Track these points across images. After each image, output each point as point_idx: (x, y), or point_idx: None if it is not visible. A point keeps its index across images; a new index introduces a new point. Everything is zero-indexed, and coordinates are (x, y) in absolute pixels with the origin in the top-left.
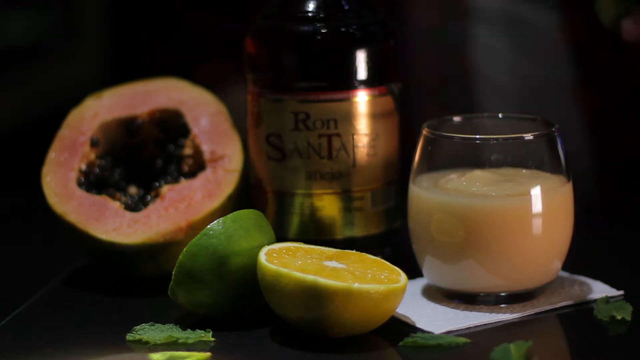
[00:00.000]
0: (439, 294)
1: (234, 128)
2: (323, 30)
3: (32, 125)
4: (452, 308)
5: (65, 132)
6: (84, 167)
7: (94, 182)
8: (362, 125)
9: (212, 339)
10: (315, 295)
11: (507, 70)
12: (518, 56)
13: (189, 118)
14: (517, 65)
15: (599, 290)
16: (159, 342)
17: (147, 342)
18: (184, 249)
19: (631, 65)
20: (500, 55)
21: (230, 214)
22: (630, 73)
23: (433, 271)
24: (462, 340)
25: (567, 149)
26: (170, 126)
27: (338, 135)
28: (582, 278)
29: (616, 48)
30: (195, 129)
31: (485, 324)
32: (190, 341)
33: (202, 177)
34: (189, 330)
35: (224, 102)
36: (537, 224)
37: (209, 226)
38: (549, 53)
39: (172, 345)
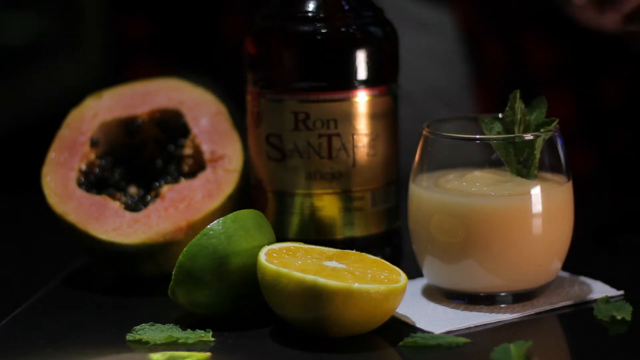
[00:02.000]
0: (439, 294)
1: (234, 128)
2: (323, 30)
3: (32, 125)
4: (452, 308)
5: (65, 132)
6: (84, 167)
7: (94, 182)
8: (362, 125)
9: (212, 339)
10: (315, 295)
11: (408, 73)
12: (418, 58)
13: (189, 118)
14: (417, 69)
15: (599, 290)
16: (159, 342)
17: (147, 342)
18: (184, 249)
19: (525, 63)
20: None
21: (230, 214)
22: (524, 71)
23: (433, 271)
24: (462, 340)
25: None
26: (170, 126)
27: (338, 135)
28: (582, 278)
29: (511, 46)
30: (195, 129)
31: (485, 324)
32: (190, 341)
33: (202, 177)
34: (189, 330)
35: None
36: (537, 224)
37: (209, 226)
38: (447, 55)
39: (172, 345)
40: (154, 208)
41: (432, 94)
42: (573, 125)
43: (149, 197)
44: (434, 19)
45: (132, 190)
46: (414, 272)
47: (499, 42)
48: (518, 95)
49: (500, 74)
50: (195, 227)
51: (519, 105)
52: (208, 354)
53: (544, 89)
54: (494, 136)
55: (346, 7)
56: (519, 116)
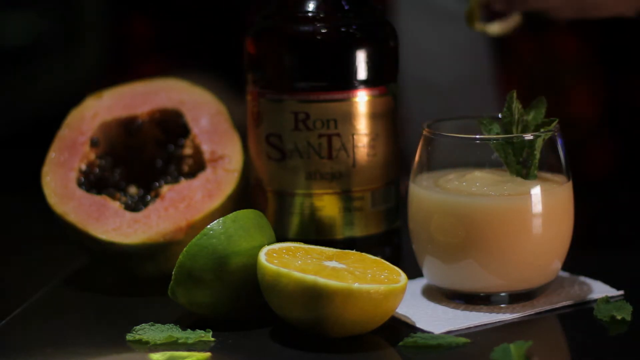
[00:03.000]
0: (439, 294)
1: (234, 128)
2: (323, 30)
3: (32, 125)
4: (452, 308)
5: (65, 132)
6: (84, 167)
7: (94, 182)
8: (362, 125)
9: (212, 339)
10: (315, 295)
11: (433, 65)
12: (443, 50)
13: (189, 118)
14: (442, 60)
15: (599, 290)
16: (159, 342)
17: (147, 342)
18: (184, 249)
19: (553, 55)
20: (426, 50)
21: (230, 214)
22: (552, 63)
23: (433, 271)
24: (462, 340)
25: None
26: (170, 126)
27: (338, 135)
28: (582, 278)
29: (539, 41)
30: (195, 129)
31: (485, 324)
32: (190, 341)
33: (202, 177)
34: (189, 330)
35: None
36: (537, 224)
37: (209, 226)
38: (473, 46)
39: (172, 345)
40: (154, 208)
41: (457, 86)
42: (598, 120)
43: (149, 197)
44: (460, 8)
45: (132, 190)
46: (414, 272)
47: (527, 34)
48: (515, 95)
49: (526, 66)
50: (195, 227)
51: (516, 106)
52: (208, 354)
53: (570, 81)
54: (494, 136)
55: (346, 7)
56: (516, 116)
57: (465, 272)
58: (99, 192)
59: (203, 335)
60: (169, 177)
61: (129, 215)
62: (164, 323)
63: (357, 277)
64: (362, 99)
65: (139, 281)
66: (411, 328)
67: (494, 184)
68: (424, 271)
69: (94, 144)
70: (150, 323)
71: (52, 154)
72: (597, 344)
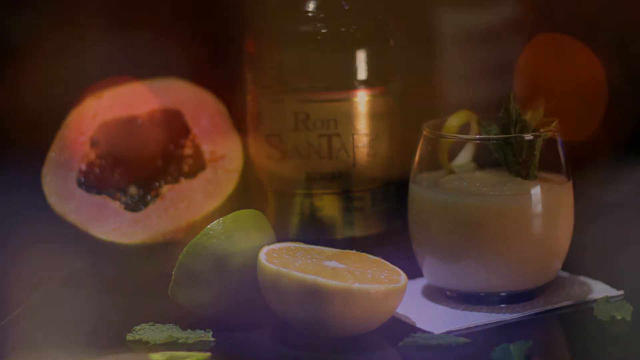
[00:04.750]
0: (439, 294)
1: (234, 128)
2: (323, 30)
3: (32, 125)
4: (452, 308)
5: (65, 132)
6: (84, 167)
7: (94, 182)
8: (362, 125)
9: (212, 339)
10: (315, 295)
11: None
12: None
13: (189, 118)
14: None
15: (599, 290)
16: (159, 342)
17: (147, 342)
18: (184, 249)
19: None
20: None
21: (230, 214)
22: None
23: (433, 271)
24: (462, 340)
25: None
26: (170, 126)
27: (338, 135)
28: (582, 278)
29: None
30: (195, 129)
31: (485, 324)
32: (190, 341)
33: (202, 177)
34: (189, 330)
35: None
36: (537, 224)
37: (209, 226)
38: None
39: (172, 345)
40: (154, 208)
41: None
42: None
43: (149, 197)
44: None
45: (132, 190)
46: (414, 272)
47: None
48: (512, 96)
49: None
50: (195, 227)
51: (514, 107)
52: (208, 354)
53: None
54: (494, 136)
55: (346, 7)
56: (514, 117)
57: (465, 272)
58: (99, 192)
59: (203, 335)
60: (169, 177)
61: (129, 215)
62: (164, 323)
63: (357, 277)
64: (362, 99)
65: (139, 281)
66: (411, 328)
67: (494, 184)
68: (424, 271)
69: (94, 144)
70: (150, 323)
71: (52, 154)
72: (597, 344)
